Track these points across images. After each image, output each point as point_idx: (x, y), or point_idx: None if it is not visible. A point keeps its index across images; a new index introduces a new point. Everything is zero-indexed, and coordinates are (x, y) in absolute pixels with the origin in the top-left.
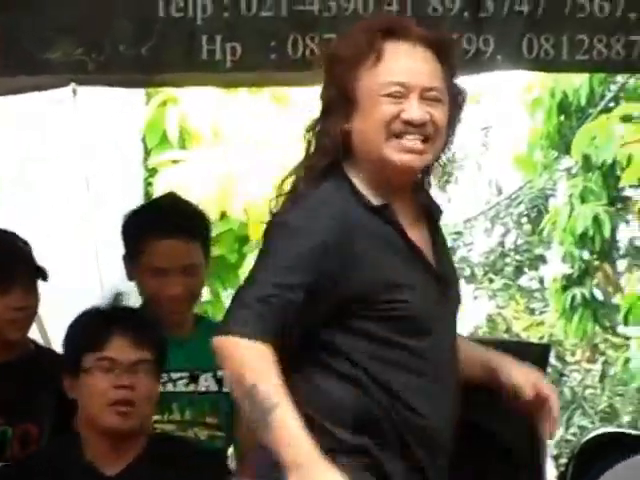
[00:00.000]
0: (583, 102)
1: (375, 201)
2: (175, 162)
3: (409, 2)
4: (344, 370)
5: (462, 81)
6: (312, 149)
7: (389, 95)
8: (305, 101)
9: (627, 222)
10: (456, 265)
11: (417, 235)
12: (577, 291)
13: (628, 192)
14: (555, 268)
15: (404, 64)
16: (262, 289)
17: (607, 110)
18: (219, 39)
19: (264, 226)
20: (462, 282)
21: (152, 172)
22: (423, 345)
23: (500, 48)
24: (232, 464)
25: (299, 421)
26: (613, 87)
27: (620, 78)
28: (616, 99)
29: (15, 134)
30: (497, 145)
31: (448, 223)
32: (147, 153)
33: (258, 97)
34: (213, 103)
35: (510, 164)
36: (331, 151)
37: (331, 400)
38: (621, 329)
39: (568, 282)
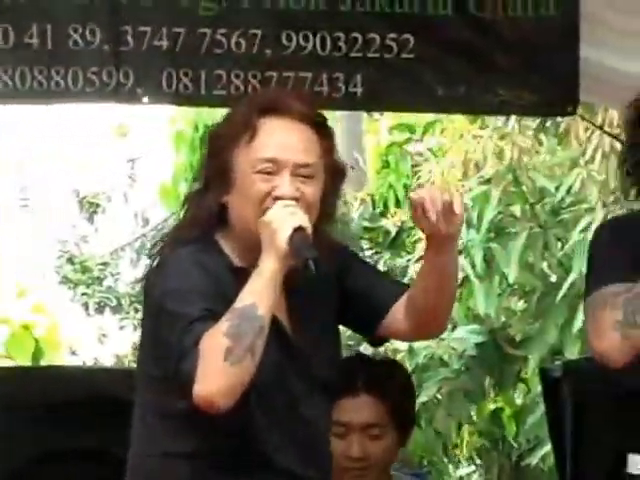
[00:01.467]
0: None
1: (240, 263)
2: None
3: (49, 36)
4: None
5: (109, 113)
6: (186, 218)
7: (260, 172)
8: None
9: None
10: (102, 295)
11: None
12: None
13: None
14: None
15: (277, 140)
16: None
17: None
18: None
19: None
20: (108, 312)
21: None
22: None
23: (140, 82)
24: None
25: None
26: None
27: None
28: None
29: None
30: (143, 177)
31: (95, 254)
32: None
33: None
34: None
35: (156, 196)
36: (205, 223)
37: None
38: None
39: None
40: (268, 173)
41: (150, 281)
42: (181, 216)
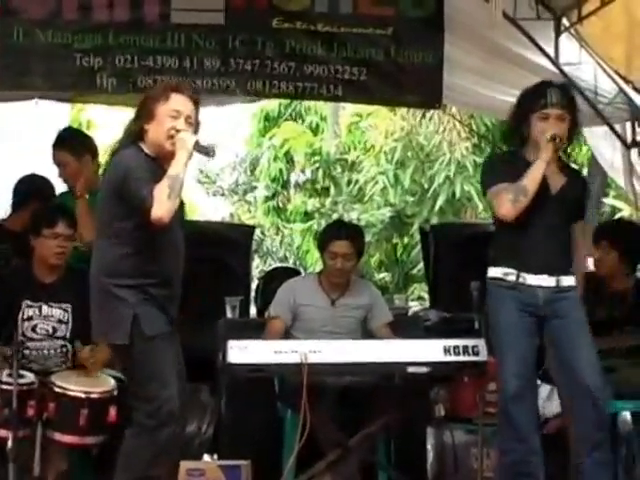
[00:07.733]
0: None
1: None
2: None
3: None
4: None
5: None
6: (125, 134)
7: (170, 116)
8: None
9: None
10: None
11: None
12: (270, 203)
13: None
14: (262, 192)
15: (179, 104)
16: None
17: None
18: None
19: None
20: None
21: None
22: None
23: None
24: None
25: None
26: None
27: None
28: None
29: None
30: None
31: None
32: None
33: None
34: None
35: None
36: (133, 136)
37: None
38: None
39: (266, 199)
40: (173, 117)
41: (114, 163)
42: (122, 134)
